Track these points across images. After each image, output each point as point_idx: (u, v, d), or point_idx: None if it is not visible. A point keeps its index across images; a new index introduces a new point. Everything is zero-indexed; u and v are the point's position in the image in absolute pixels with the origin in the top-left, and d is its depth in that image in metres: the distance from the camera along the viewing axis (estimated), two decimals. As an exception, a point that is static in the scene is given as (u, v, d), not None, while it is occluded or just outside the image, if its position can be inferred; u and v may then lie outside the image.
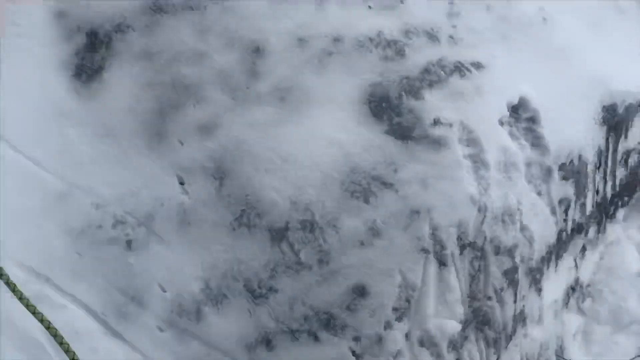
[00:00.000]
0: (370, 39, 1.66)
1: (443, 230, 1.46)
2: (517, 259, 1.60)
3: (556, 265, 1.96)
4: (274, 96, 1.56)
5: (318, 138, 1.50)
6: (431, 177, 1.50)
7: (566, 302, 2.02)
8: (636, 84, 2.15)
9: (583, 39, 2.07)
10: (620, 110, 2.08)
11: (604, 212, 2.24)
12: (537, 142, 1.76)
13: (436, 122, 1.57)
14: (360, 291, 1.37)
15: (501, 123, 1.69)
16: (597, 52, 2.06)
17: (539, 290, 1.79)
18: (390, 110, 1.56)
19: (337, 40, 1.64)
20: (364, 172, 1.47)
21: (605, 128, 2.04)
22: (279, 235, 1.41)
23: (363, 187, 1.46)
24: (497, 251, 1.55)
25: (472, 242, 1.51)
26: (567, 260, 2.04)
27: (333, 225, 1.41)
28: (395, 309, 1.38)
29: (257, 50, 1.63)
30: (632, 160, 2.29)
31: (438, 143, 1.54)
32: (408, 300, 1.40)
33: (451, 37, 1.74)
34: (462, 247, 1.50)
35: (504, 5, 1.89)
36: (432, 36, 1.71)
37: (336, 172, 1.46)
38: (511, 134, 1.71)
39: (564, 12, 2.07)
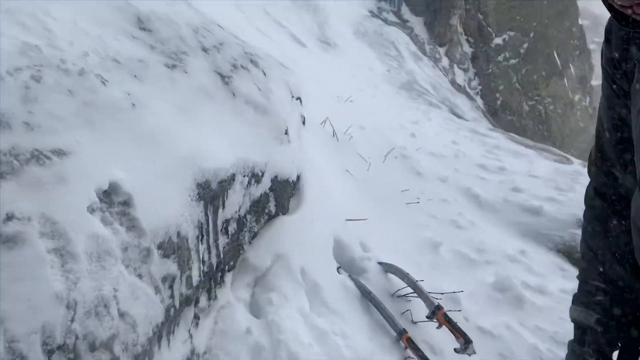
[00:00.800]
0: None
1: (23, 340, 1.30)
2: (118, 349, 1.55)
3: (168, 342, 2.00)
4: None
5: None
6: (5, 281, 1.32)
7: (184, 376, 2.07)
8: (226, 160, 2.43)
9: (174, 122, 2.24)
10: (214, 185, 2.31)
11: (213, 279, 2.43)
12: (132, 225, 1.77)
13: (10, 218, 1.41)
14: None
15: (91, 210, 1.64)
16: (188, 134, 2.26)
17: (150, 374, 1.78)
18: (-53, 208, 1.33)
19: None
20: None
21: (202, 203, 2.23)
22: None
23: None
24: (93, 347, 1.46)
25: (62, 344, 1.38)
26: (181, 334, 2.10)
27: None
28: None
29: None
30: (231, 228, 2.57)
31: (13, 241, 1.38)
32: None
33: (27, 123, 1.62)
34: (50, 353, 1.35)
35: (88, 90, 1.89)
36: (3, 123, 1.56)
37: None
38: (104, 221, 1.68)
39: (153, 98, 2.21)
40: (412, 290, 2.97)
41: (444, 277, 3.42)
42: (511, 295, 3.40)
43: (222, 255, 2.47)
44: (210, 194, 2.29)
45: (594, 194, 1.40)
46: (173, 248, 1.98)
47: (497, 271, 3.63)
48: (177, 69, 2.52)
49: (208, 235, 2.34)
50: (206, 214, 2.30)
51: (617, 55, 1.19)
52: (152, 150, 2.01)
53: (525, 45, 15.76)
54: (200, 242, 2.24)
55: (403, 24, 13.44)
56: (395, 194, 4.38)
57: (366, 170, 4.51)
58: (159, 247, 1.89)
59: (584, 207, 1.43)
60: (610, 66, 1.22)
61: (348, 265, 3.13)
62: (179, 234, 2.01)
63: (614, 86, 1.24)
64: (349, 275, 3.02)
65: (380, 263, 3.19)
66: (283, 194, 3.05)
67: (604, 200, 1.36)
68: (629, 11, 0.96)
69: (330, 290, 2.79)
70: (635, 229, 1.18)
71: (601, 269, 1.39)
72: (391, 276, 3.14)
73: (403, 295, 3.01)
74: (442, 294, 3.05)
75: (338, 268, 3.05)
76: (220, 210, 2.43)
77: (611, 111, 1.27)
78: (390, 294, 3.04)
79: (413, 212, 4.20)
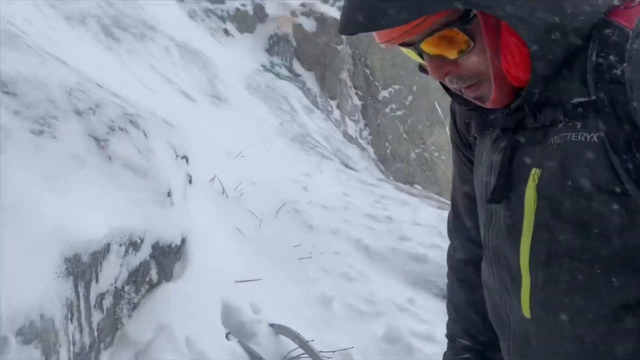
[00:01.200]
0: None
1: None
2: None
3: None
4: None
5: None
6: None
7: None
8: (99, 230, 2.30)
9: (38, 193, 2.08)
10: (85, 258, 2.16)
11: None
12: (-17, 312, 1.60)
13: None
14: None
15: None
16: (55, 204, 2.11)
17: None
18: None
19: None
20: None
21: (72, 278, 2.07)
22: None
23: None
24: None
25: None
26: None
27: None
28: None
29: None
30: (107, 302, 2.40)
31: None
32: None
33: None
34: None
35: None
36: None
37: None
38: (-54, 311, 1.50)
39: (14, 168, 2.06)
40: (303, 351, 2.93)
41: (336, 332, 3.43)
42: (401, 346, 3.47)
43: (96, 333, 2.29)
44: (81, 267, 2.14)
45: (453, 254, 1.48)
46: (35, 332, 1.80)
47: (387, 322, 3.70)
48: (44, 135, 2.37)
49: (79, 313, 2.16)
50: (76, 290, 2.14)
51: (460, 128, 1.29)
52: (10, 227, 1.85)
53: (409, 98, 16.86)
54: (69, 321, 2.06)
55: (295, 78, 13.85)
56: (287, 249, 4.38)
57: (258, 227, 4.48)
58: (18, 333, 1.71)
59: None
60: (457, 138, 1.32)
61: (238, 330, 3.04)
62: (42, 316, 1.84)
63: (462, 157, 1.34)
64: (239, 341, 2.92)
65: (271, 325, 3.13)
66: (166, 260, 2.93)
67: (462, 260, 1.45)
68: (461, 93, 1.06)
69: (218, 359, 2.68)
70: (486, 289, 1.26)
71: (465, 328, 1.46)
72: (283, 337, 3.09)
73: (295, 357, 2.97)
74: (334, 351, 3.04)
75: (227, 334, 2.94)
76: (93, 284, 2.27)
77: (461, 180, 1.37)
78: (282, 356, 2.98)
79: (305, 267, 4.21)
